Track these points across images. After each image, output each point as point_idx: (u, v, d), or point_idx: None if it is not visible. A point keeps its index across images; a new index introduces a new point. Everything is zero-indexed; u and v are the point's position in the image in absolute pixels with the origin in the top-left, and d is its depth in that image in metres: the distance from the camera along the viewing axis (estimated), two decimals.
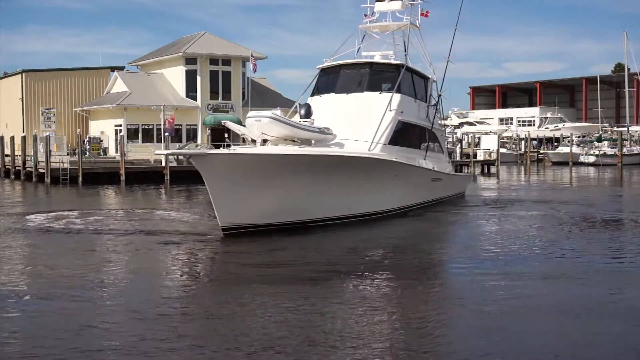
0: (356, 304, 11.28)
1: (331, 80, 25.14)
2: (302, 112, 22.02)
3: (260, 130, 19.91)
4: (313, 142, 21.21)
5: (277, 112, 20.49)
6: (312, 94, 25.26)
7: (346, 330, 9.82)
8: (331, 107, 23.61)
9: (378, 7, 28.39)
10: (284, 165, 18.71)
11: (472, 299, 11.55)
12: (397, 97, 23.95)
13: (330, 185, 19.92)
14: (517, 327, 10.05)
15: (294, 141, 20.60)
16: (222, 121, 24.04)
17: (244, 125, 22.23)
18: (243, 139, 23.75)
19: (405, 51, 28.13)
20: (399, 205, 23.86)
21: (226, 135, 23.72)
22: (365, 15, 28.80)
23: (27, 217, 23.15)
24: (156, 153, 18.30)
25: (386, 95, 23.91)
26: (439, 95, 29.55)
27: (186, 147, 17.81)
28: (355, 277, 13.50)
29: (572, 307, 11.14)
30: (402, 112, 24.20)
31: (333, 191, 20.15)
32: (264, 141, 21.46)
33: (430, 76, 28.69)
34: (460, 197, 31.05)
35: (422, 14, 29.22)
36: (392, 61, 26.14)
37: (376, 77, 25.17)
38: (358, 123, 22.71)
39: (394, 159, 22.68)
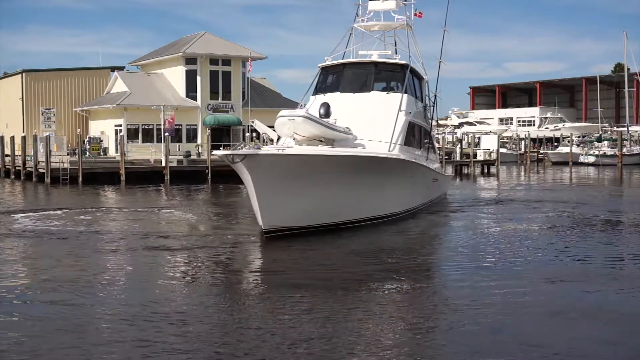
0: (360, 309, 11.30)
1: (334, 79, 24.80)
2: (322, 111, 21.44)
3: (293, 130, 19.35)
4: (334, 142, 20.70)
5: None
6: (314, 93, 24.85)
7: (344, 333, 9.83)
8: (337, 107, 23.09)
9: (372, 6, 28.02)
10: (334, 165, 18.48)
11: (472, 302, 11.49)
12: (405, 97, 23.81)
13: (363, 186, 19.79)
14: (517, 332, 10.02)
15: (321, 141, 20.12)
16: (251, 120, 23.51)
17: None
18: (260, 138, 23.17)
19: (396, 51, 27.94)
20: (411, 207, 23.80)
21: (254, 134, 23.13)
22: (357, 15, 28.47)
23: (29, 217, 23.18)
24: (214, 154, 17.56)
25: (394, 96, 23.72)
26: (435, 96, 29.47)
27: (239, 147, 17.03)
28: (370, 282, 13.48)
29: (571, 310, 11.06)
30: (410, 112, 24.12)
31: (364, 192, 20.03)
32: (278, 139, 21.19)
33: (424, 76, 28.64)
34: (444, 197, 30.87)
35: (415, 14, 29.05)
36: (397, 61, 25.81)
37: (382, 76, 24.92)
38: (371, 123, 22.41)
39: (414, 160, 22.78)
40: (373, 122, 22.51)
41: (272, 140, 20.56)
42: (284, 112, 19.95)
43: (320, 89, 24.90)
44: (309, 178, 17.89)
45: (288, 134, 19.81)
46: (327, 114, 21.30)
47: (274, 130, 21.49)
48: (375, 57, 26.04)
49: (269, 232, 17.88)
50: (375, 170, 20.15)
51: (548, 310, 10.94)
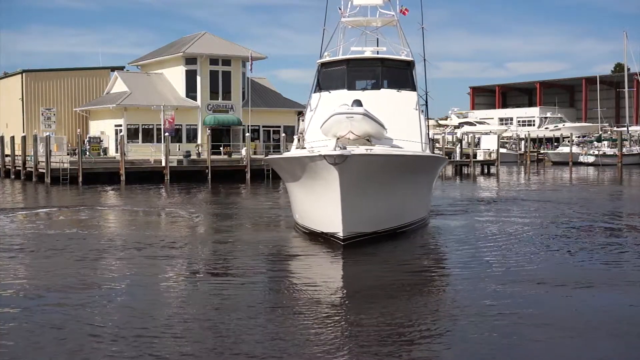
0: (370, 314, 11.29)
1: (338, 76, 23.67)
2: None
3: (349, 128, 17.95)
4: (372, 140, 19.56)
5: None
6: (316, 90, 23.57)
7: (351, 337, 9.84)
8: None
9: (357, 0, 27.29)
10: (411, 167, 18.05)
11: (473, 308, 11.29)
12: (416, 95, 23.22)
13: (419, 188, 19.47)
14: (522, 338, 9.92)
15: (368, 140, 18.86)
16: (301, 119, 22.56)
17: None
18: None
19: (378, 45, 27.57)
20: (429, 211, 23.34)
21: (301, 134, 22.09)
22: (340, 10, 27.88)
23: (29, 216, 23.17)
24: (313, 155, 16.08)
25: (406, 94, 23.04)
26: (426, 93, 29.09)
27: (338, 148, 15.62)
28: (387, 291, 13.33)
29: (579, 319, 10.71)
30: (422, 111, 23.89)
31: (418, 195, 19.74)
32: (298, 139, 20.82)
33: None
34: None
35: (401, 11, 28.70)
36: (403, 57, 25.21)
37: (388, 73, 24.31)
38: (391, 122, 21.14)
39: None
40: (393, 121, 21.33)
41: (302, 139, 19.94)
42: (340, 109, 18.48)
43: (323, 86, 23.66)
44: (388, 180, 17.14)
45: (342, 132, 18.22)
46: None
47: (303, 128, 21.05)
48: (368, 53, 25.33)
49: (349, 239, 16.62)
50: (427, 172, 19.76)
51: (566, 319, 10.54)
